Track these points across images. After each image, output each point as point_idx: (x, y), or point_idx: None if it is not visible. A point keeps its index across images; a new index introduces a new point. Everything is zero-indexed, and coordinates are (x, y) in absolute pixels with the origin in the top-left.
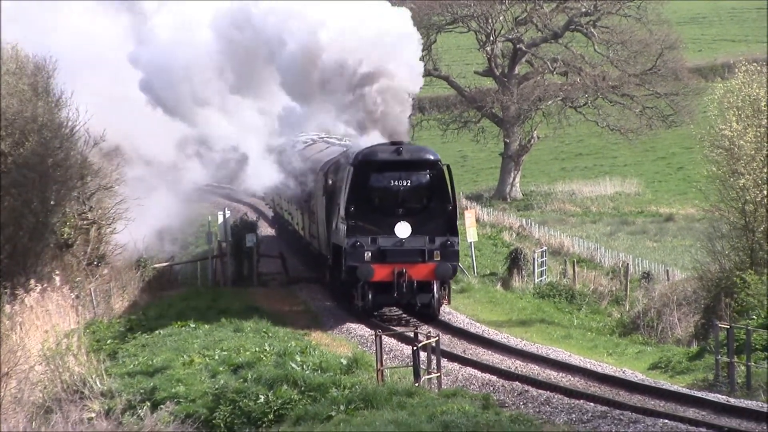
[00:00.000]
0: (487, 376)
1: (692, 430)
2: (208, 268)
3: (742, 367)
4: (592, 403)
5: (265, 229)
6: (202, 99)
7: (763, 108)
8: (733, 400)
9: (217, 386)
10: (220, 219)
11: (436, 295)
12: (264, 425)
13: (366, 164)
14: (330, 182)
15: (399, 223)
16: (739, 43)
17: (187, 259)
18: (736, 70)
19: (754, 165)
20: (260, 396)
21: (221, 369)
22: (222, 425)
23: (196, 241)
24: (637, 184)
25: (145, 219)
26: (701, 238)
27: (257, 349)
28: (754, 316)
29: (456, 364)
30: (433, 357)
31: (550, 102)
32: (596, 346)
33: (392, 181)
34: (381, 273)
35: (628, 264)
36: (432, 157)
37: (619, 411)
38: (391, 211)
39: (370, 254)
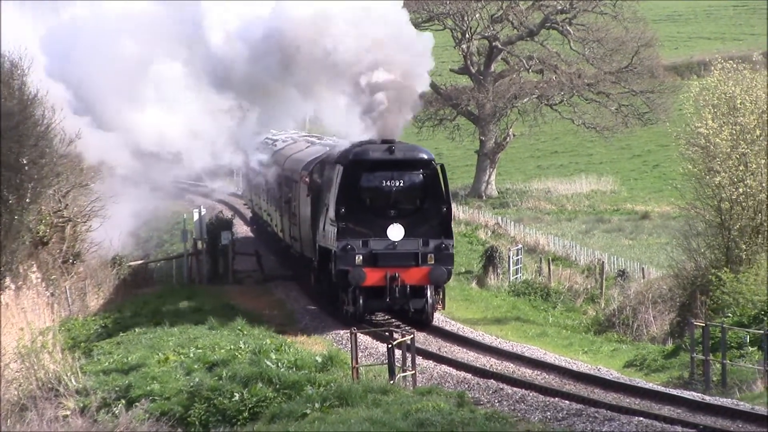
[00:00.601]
0: (462, 373)
1: (667, 428)
2: (184, 265)
3: (718, 365)
4: (567, 401)
5: (241, 228)
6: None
7: (738, 106)
8: (708, 398)
9: (191, 384)
10: (196, 217)
11: (429, 300)
12: (239, 423)
13: (356, 163)
14: (316, 182)
15: (391, 225)
16: (715, 40)
17: (162, 256)
18: (712, 68)
19: (729, 163)
20: (235, 394)
21: (196, 367)
22: (197, 423)
23: (171, 239)
24: (613, 182)
25: (120, 217)
26: (677, 236)
27: (232, 346)
28: (730, 314)
29: (431, 361)
30: (408, 355)
31: (525, 100)
32: (571, 344)
33: (384, 182)
34: (373, 277)
35: (603, 262)
36: (425, 156)
37: (594, 409)
38: (383, 213)
39: (361, 258)
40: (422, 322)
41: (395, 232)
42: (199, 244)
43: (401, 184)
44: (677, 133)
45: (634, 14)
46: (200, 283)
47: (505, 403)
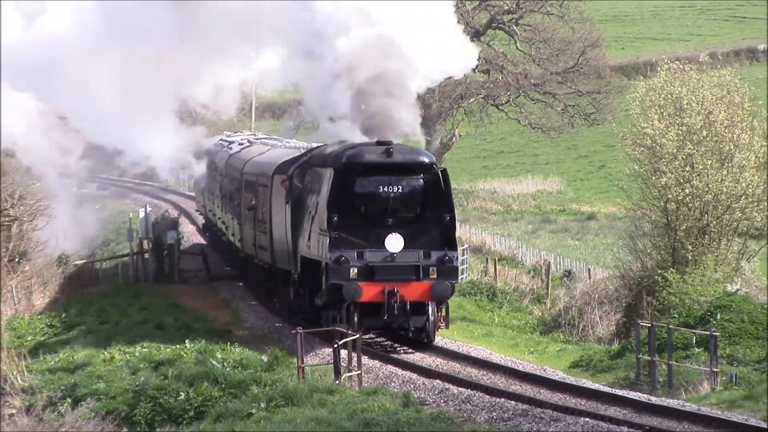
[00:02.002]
0: (408, 373)
1: (613, 429)
2: (129, 265)
3: (664, 366)
4: (513, 402)
5: (189, 232)
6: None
7: (685, 106)
8: (654, 399)
9: (137, 383)
10: (141, 216)
11: (431, 318)
12: (184, 422)
13: (350, 167)
14: (297, 187)
15: (389, 235)
16: (662, 41)
17: (108, 255)
18: (659, 68)
19: (676, 163)
20: (180, 393)
21: (142, 366)
22: (142, 422)
23: (117, 238)
24: (559, 182)
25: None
26: (623, 236)
27: (178, 346)
28: (676, 315)
29: (377, 361)
30: (353, 354)
31: (471, 100)
32: (517, 344)
33: (381, 187)
34: (369, 292)
35: (549, 262)
36: (426, 160)
37: (540, 409)
38: (379, 222)
39: (356, 271)
40: (422, 342)
41: (394, 242)
42: (145, 244)
43: (400, 190)
44: (623, 133)
45: (581, 15)
46: (146, 283)
47: (450, 403)
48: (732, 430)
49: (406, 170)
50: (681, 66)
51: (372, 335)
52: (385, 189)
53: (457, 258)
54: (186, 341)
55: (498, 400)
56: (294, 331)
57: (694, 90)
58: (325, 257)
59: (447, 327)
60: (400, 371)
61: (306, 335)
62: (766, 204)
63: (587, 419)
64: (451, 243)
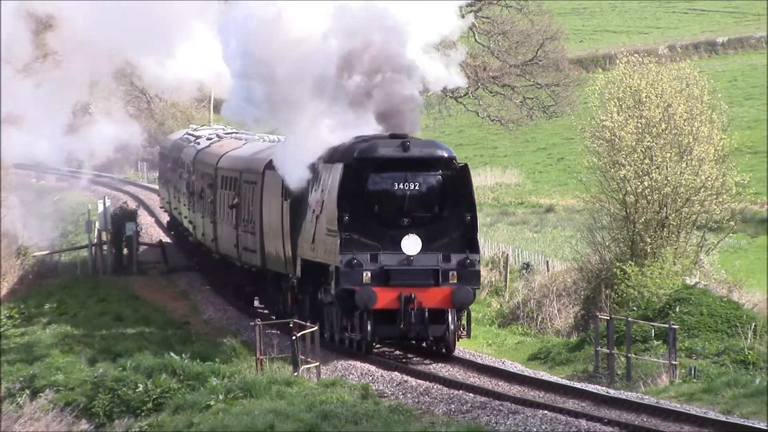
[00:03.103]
0: (366, 365)
1: (572, 422)
2: (88, 256)
3: (622, 359)
4: (471, 394)
5: (148, 224)
6: None
7: (644, 99)
8: (612, 392)
9: (95, 375)
10: (100, 208)
11: (451, 327)
12: (143, 414)
13: (363, 162)
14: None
15: (406, 237)
16: (621, 34)
17: (66, 247)
18: (618, 61)
19: (635, 156)
20: (139, 385)
21: (100, 357)
22: (101, 413)
23: (76, 230)
24: (518, 175)
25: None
26: (582, 229)
27: (137, 337)
28: (635, 308)
29: (335, 353)
30: (312, 346)
31: (430, 92)
32: (476, 337)
33: (396, 184)
34: (384, 298)
35: (507, 254)
36: (446, 154)
37: (498, 402)
38: (395, 222)
39: (369, 275)
40: (440, 353)
41: (411, 244)
42: (104, 235)
43: (417, 188)
44: (582, 126)
45: (540, 7)
46: (104, 274)
47: (409, 395)
48: (690, 423)
49: (424, 165)
50: (640, 59)
51: (379, 345)
52: (401, 186)
53: (479, 261)
54: (145, 333)
55: (456, 392)
56: (252, 323)
57: (653, 83)
58: (335, 260)
59: (468, 336)
60: (359, 363)
61: (265, 327)
62: (725, 197)
63: (546, 412)
64: (472, 245)
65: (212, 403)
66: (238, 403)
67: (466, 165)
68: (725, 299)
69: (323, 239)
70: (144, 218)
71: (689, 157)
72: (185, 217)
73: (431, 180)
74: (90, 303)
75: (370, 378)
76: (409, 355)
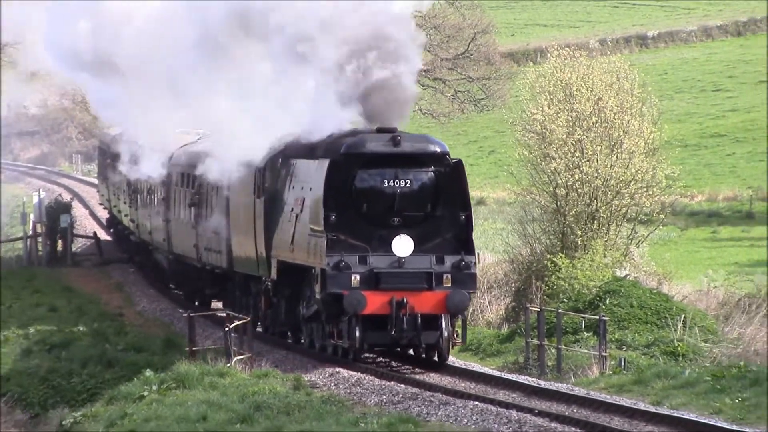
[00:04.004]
0: (299, 357)
1: (502, 412)
2: (23, 248)
3: (553, 350)
4: (403, 385)
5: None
6: None
7: (574, 93)
8: (543, 383)
9: (30, 365)
10: (35, 200)
11: (445, 333)
12: (77, 404)
13: (350, 158)
14: (270, 181)
15: (396, 237)
16: (552, 27)
17: (1, 239)
18: (549, 54)
19: (565, 149)
20: (73, 375)
21: (35, 348)
22: (36, 404)
23: (11, 222)
24: None
25: None
26: (512, 221)
27: (71, 328)
28: (565, 299)
29: (269, 345)
30: (245, 338)
31: None
32: None
33: (386, 181)
34: (375, 303)
35: None
36: (439, 150)
37: (429, 393)
38: (384, 221)
39: (358, 278)
40: (433, 361)
41: (402, 245)
42: (39, 227)
43: (408, 185)
44: (513, 119)
45: (472, 1)
46: (39, 266)
47: (341, 386)
48: (620, 414)
49: (415, 162)
50: (571, 52)
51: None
52: (391, 183)
53: (475, 263)
54: (80, 324)
55: (388, 383)
56: (185, 314)
57: (584, 76)
58: (320, 262)
59: (464, 343)
60: (291, 355)
61: (198, 318)
62: (654, 190)
63: (476, 403)
64: (467, 246)
65: (146, 393)
66: (171, 393)
67: (460, 161)
68: (655, 291)
69: (305, 239)
70: (78, 210)
71: (619, 150)
72: (126, 215)
73: (423, 177)
74: (25, 294)
75: (303, 369)
76: (397, 365)
